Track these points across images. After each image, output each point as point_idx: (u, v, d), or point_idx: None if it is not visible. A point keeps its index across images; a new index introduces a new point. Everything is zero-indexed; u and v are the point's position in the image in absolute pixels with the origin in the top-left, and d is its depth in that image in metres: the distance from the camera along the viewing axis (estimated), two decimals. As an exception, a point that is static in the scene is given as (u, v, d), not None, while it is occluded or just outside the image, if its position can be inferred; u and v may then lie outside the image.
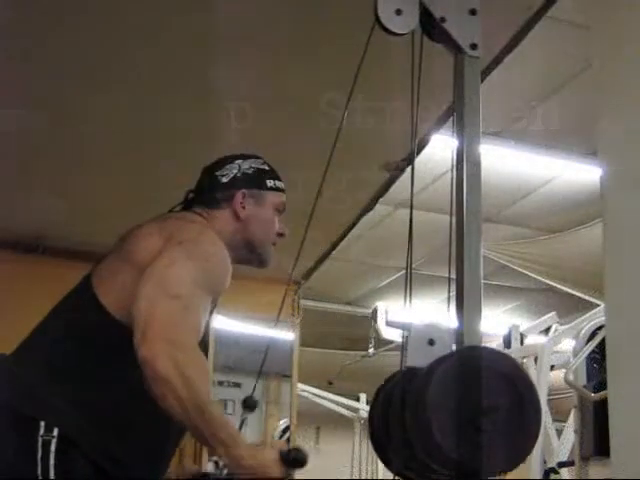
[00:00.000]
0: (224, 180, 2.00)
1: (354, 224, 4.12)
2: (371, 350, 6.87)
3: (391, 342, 6.60)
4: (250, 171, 2.02)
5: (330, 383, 7.91)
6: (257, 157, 2.07)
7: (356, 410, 8.03)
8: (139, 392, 1.60)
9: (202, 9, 2.49)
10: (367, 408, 8.07)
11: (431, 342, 1.56)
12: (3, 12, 2.45)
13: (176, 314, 1.63)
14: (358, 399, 8.07)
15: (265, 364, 2.19)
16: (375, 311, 6.77)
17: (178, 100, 2.97)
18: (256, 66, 2.76)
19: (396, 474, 1.62)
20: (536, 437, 1.52)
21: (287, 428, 5.79)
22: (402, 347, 1.59)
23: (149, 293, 1.65)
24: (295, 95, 2.91)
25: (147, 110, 3.04)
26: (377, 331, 6.73)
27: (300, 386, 5.83)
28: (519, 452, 1.52)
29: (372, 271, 6.98)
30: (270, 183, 2.04)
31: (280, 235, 2.06)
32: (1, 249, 4.18)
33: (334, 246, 4.39)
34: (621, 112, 1.90)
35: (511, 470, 1.50)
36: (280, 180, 2.07)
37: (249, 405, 1.80)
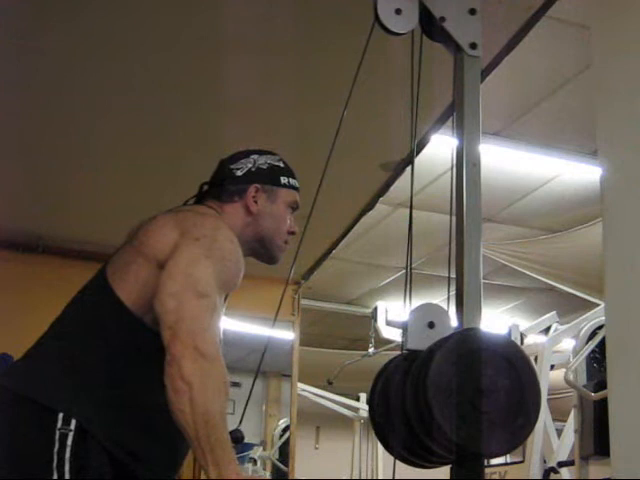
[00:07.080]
0: (238, 174, 2.01)
1: (354, 224, 4.12)
2: (371, 350, 6.85)
3: (391, 342, 6.59)
4: (265, 166, 2.03)
5: (330, 383, 7.88)
6: (273, 154, 2.07)
7: (356, 410, 8.01)
8: (155, 386, 1.61)
9: (204, 10, 2.50)
10: (367, 408, 8.06)
11: (431, 325, 1.57)
12: (5, 6, 2.46)
13: (205, 316, 1.66)
14: (358, 399, 8.05)
15: (265, 364, 2.19)
16: (375, 310, 6.76)
17: (178, 102, 2.97)
18: (255, 66, 2.76)
19: (397, 458, 1.61)
20: (536, 419, 1.52)
21: (287, 428, 5.79)
22: (403, 329, 1.59)
23: (177, 292, 1.67)
24: (294, 95, 2.92)
25: (148, 111, 3.04)
26: (377, 330, 6.73)
27: (300, 386, 5.83)
28: (518, 434, 1.52)
29: (372, 271, 6.97)
30: (284, 180, 2.04)
31: (291, 233, 2.05)
32: (1, 249, 4.18)
33: (334, 246, 4.39)
34: (621, 112, 1.90)
35: (510, 452, 1.50)
36: (295, 178, 2.07)
37: (235, 439, 1.79)
